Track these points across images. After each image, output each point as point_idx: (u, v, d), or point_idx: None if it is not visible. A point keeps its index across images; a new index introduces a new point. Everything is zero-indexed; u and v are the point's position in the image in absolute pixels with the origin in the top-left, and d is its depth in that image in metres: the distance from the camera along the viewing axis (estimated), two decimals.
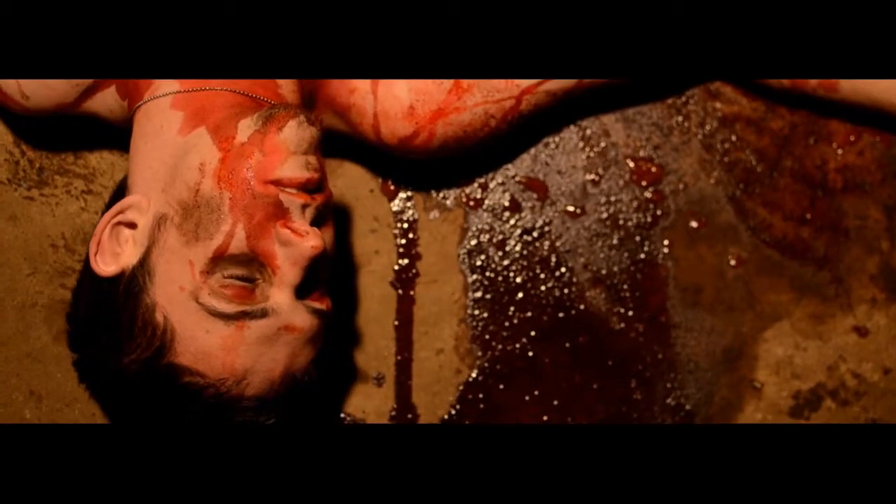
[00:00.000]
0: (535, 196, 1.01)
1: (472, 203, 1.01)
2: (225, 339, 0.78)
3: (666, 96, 1.01)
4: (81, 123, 0.97)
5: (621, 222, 1.01)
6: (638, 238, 1.01)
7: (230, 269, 0.77)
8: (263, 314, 0.77)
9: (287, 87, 0.85)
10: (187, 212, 0.77)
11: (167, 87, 0.82)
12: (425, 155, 0.91)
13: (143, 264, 0.79)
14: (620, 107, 1.01)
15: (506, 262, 1.01)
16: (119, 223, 0.81)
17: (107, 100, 0.87)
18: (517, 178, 1.01)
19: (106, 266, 0.80)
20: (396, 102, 0.88)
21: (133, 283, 0.79)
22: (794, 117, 1.01)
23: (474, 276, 1.01)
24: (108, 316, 0.80)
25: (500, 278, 1.01)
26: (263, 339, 0.78)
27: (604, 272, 1.01)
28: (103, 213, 0.85)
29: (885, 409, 1.02)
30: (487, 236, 1.01)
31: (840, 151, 1.01)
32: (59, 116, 0.90)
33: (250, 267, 0.77)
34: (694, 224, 1.01)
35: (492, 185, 1.01)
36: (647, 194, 1.01)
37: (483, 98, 0.89)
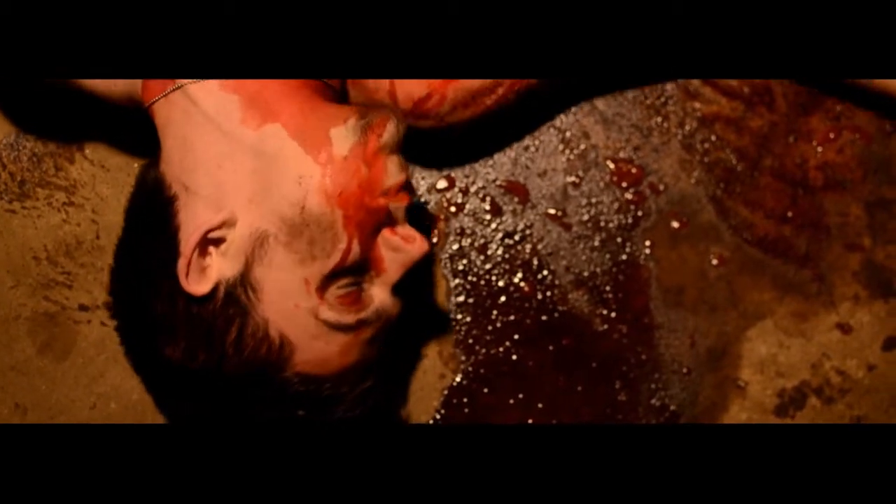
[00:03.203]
0: (515, 200, 1.01)
1: (452, 208, 1.01)
2: (342, 346, 0.80)
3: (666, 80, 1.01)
4: (65, 131, 0.98)
5: (602, 224, 1.01)
6: (619, 239, 1.01)
7: (342, 279, 0.78)
8: (378, 317, 0.80)
9: None
10: (294, 229, 0.75)
11: None
12: (436, 120, 0.90)
13: (244, 280, 0.77)
14: (618, 89, 1.01)
15: (488, 266, 1.01)
16: (208, 241, 0.77)
17: None
18: (498, 182, 1.01)
19: (198, 285, 0.77)
20: None
21: (233, 299, 0.77)
22: (774, 116, 1.01)
23: (456, 281, 1.01)
24: (201, 330, 0.78)
25: (482, 282, 1.01)
26: (374, 336, 0.81)
27: (586, 274, 1.01)
28: (135, 204, 0.82)
29: (869, 406, 1.02)
30: (469, 241, 1.01)
31: (820, 149, 1.01)
32: (52, 88, 0.86)
33: (358, 273, 0.79)
34: (675, 224, 1.01)
35: (472, 190, 1.01)
36: (628, 195, 1.01)
37: None
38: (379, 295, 0.81)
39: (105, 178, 0.99)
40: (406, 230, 0.80)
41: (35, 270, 0.99)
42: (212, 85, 0.77)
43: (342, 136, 0.77)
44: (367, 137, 0.77)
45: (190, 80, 0.77)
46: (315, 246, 0.76)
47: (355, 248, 0.77)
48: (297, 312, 0.77)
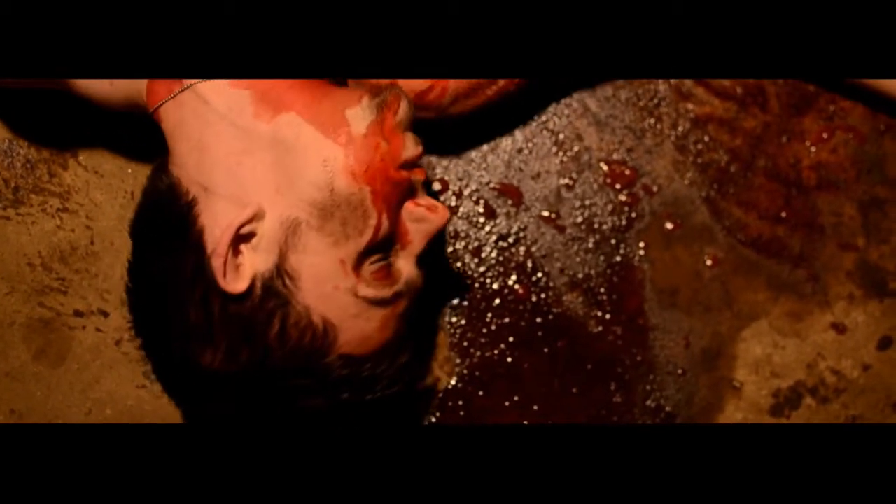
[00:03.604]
0: (509, 202, 1.01)
1: None
2: (381, 321, 0.81)
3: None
4: (58, 137, 0.98)
5: (596, 226, 1.01)
6: (613, 241, 1.01)
7: (373, 255, 0.79)
8: (409, 288, 0.82)
9: None
10: (325, 212, 0.76)
11: None
12: (438, 111, 0.91)
13: (281, 271, 0.77)
14: (612, 91, 1.01)
15: (482, 269, 1.01)
16: (238, 238, 0.77)
17: None
18: (491, 185, 1.01)
19: (236, 283, 0.76)
20: None
21: (272, 291, 0.77)
22: (767, 116, 1.01)
23: (451, 284, 1.01)
24: (242, 328, 0.77)
25: (476, 285, 1.01)
26: (406, 308, 0.83)
27: (580, 276, 1.01)
28: (148, 215, 0.81)
29: (865, 406, 1.02)
30: (463, 243, 1.01)
31: (813, 149, 1.01)
32: (37, 88, 0.85)
33: (386, 248, 0.80)
34: (669, 225, 1.01)
35: (466, 193, 1.01)
36: (622, 197, 1.01)
37: None
38: (406, 267, 0.82)
39: (99, 183, 0.99)
40: (428, 200, 0.82)
41: (30, 277, 0.99)
42: (221, 83, 0.78)
43: (358, 115, 0.78)
44: (383, 115, 0.78)
45: (199, 80, 0.77)
46: (348, 225, 0.76)
47: (385, 222, 0.78)
48: (336, 294, 0.78)
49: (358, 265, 0.78)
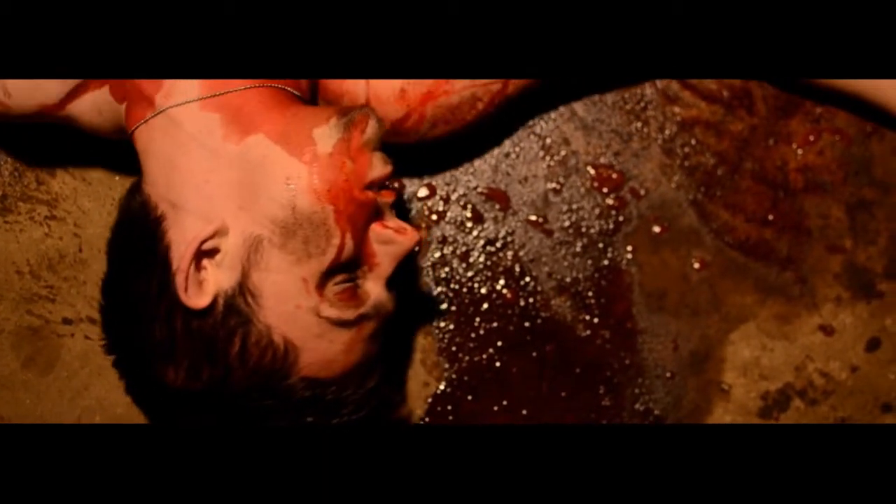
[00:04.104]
0: (497, 207, 1.01)
1: (434, 216, 1.01)
2: (346, 343, 0.80)
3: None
4: (45, 145, 0.98)
5: (584, 230, 1.01)
6: (601, 245, 1.01)
7: (338, 276, 0.79)
8: (377, 312, 0.81)
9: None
10: (288, 230, 0.76)
11: (187, 89, 0.79)
12: (416, 137, 0.91)
13: (243, 288, 0.77)
14: (598, 95, 1.01)
15: (470, 274, 1.01)
16: (202, 253, 0.77)
17: (97, 101, 0.83)
18: (479, 190, 1.01)
19: (198, 299, 0.76)
20: (388, 86, 0.88)
21: (233, 309, 0.77)
22: (753, 119, 1.01)
23: (439, 289, 1.01)
24: (203, 346, 0.77)
25: (464, 290, 1.01)
26: (375, 332, 0.82)
27: (568, 280, 1.01)
28: (121, 231, 0.81)
29: (853, 407, 1.02)
30: (451, 248, 1.01)
31: (800, 151, 1.01)
32: (34, 122, 0.86)
33: (352, 269, 0.80)
34: (656, 229, 1.02)
35: (454, 198, 1.01)
36: (609, 201, 1.01)
37: (471, 82, 0.89)
38: (374, 289, 0.81)
39: (86, 191, 0.99)
40: (396, 222, 0.81)
41: (18, 284, 0.99)
42: (193, 106, 0.78)
43: (325, 134, 0.78)
44: (350, 134, 0.78)
45: (171, 104, 0.78)
46: (310, 244, 0.76)
47: (349, 242, 0.77)
48: (298, 313, 0.77)
49: (321, 285, 0.78)
